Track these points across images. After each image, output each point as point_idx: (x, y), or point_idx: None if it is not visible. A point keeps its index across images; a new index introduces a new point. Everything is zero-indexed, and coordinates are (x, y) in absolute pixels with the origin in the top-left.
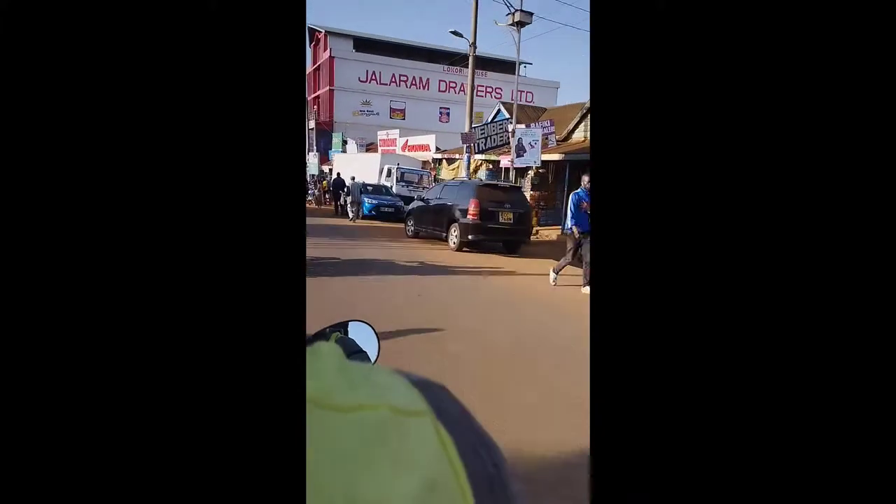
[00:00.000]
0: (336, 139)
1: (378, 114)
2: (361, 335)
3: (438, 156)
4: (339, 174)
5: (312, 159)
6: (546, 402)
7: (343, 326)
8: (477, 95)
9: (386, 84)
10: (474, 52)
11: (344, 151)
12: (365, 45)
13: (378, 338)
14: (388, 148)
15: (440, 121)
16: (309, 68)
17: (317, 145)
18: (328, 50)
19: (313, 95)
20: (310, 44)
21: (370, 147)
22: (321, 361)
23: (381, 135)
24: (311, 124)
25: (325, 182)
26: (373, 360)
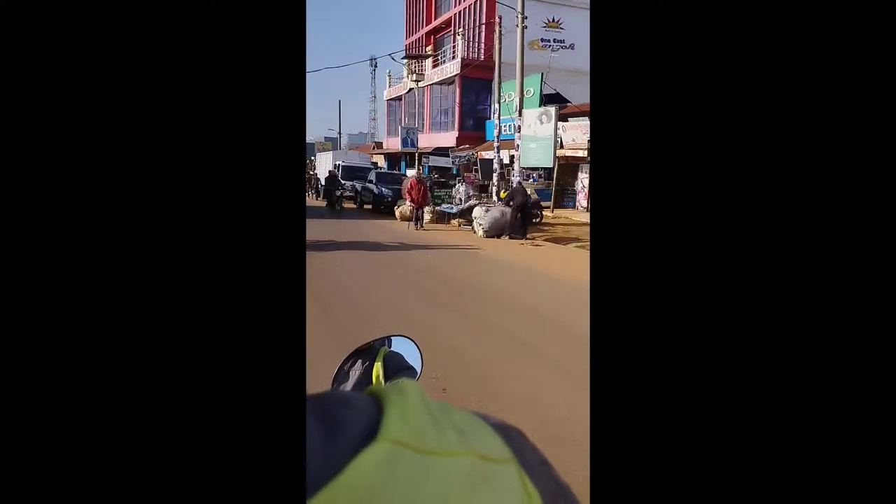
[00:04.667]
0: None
1: (572, 46)
2: (406, 350)
3: None
4: None
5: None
6: None
7: (387, 340)
8: None
9: None
10: None
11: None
12: None
13: (421, 352)
14: None
15: None
16: None
17: (460, 110)
18: None
19: (445, 17)
20: None
21: None
22: (408, 401)
23: None
24: (452, 69)
25: None
26: (418, 375)
